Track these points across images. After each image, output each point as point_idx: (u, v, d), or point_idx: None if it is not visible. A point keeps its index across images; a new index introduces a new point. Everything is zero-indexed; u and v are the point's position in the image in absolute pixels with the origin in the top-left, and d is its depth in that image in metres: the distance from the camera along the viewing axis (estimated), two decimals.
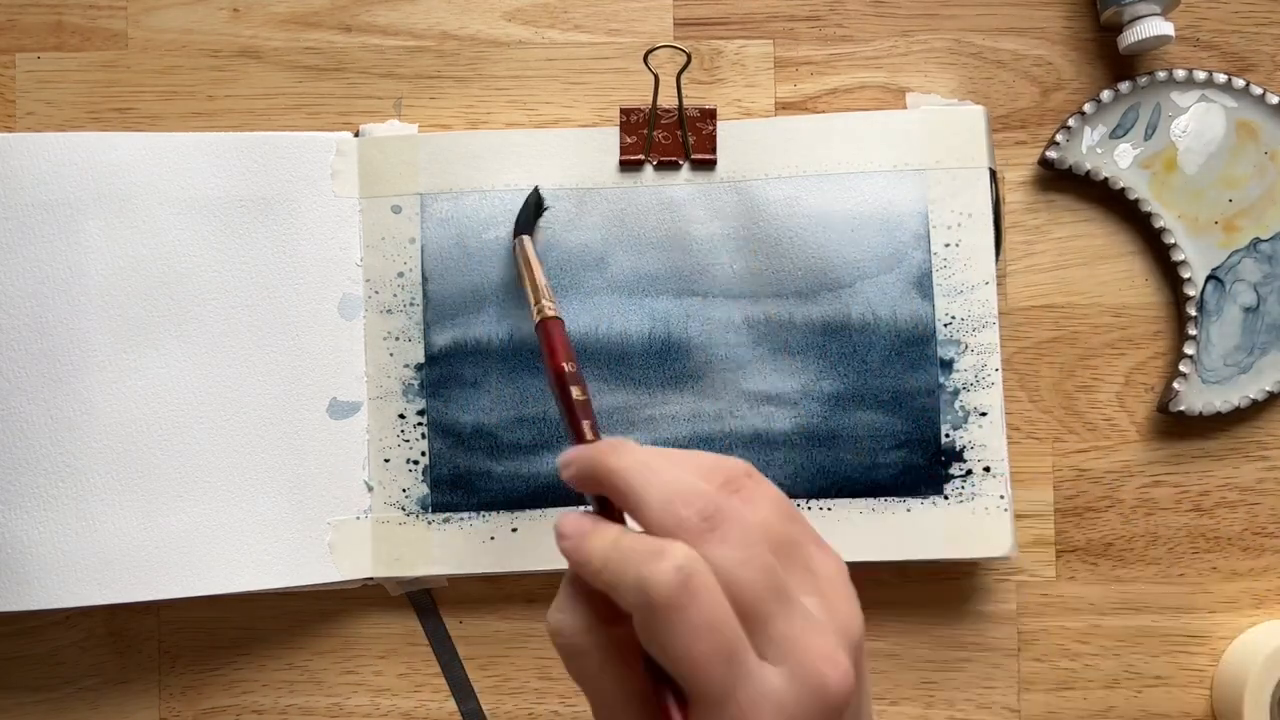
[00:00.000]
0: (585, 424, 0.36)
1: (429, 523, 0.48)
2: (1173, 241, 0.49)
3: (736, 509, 0.30)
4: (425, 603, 0.50)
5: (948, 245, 0.48)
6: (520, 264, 0.45)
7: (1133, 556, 0.50)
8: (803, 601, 0.30)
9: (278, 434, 0.48)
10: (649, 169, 0.49)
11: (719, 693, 0.28)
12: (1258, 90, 0.49)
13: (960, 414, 0.47)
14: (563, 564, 0.47)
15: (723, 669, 0.28)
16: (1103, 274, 0.50)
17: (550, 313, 0.41)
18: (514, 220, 0.48)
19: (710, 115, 0.48)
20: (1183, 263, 0.49)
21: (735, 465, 0.31)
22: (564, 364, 0.38)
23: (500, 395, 0.48)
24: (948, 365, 0.47)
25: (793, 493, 0.48)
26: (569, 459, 0.32)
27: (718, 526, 0.29)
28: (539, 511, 0.48)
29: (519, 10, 0.50)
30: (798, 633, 0.29)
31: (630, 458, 0.31)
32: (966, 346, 0.48)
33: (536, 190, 0.48)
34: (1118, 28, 0.49)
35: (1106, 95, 0.49)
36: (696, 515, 0.29)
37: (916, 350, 0.48)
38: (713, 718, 0.28)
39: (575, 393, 0.36)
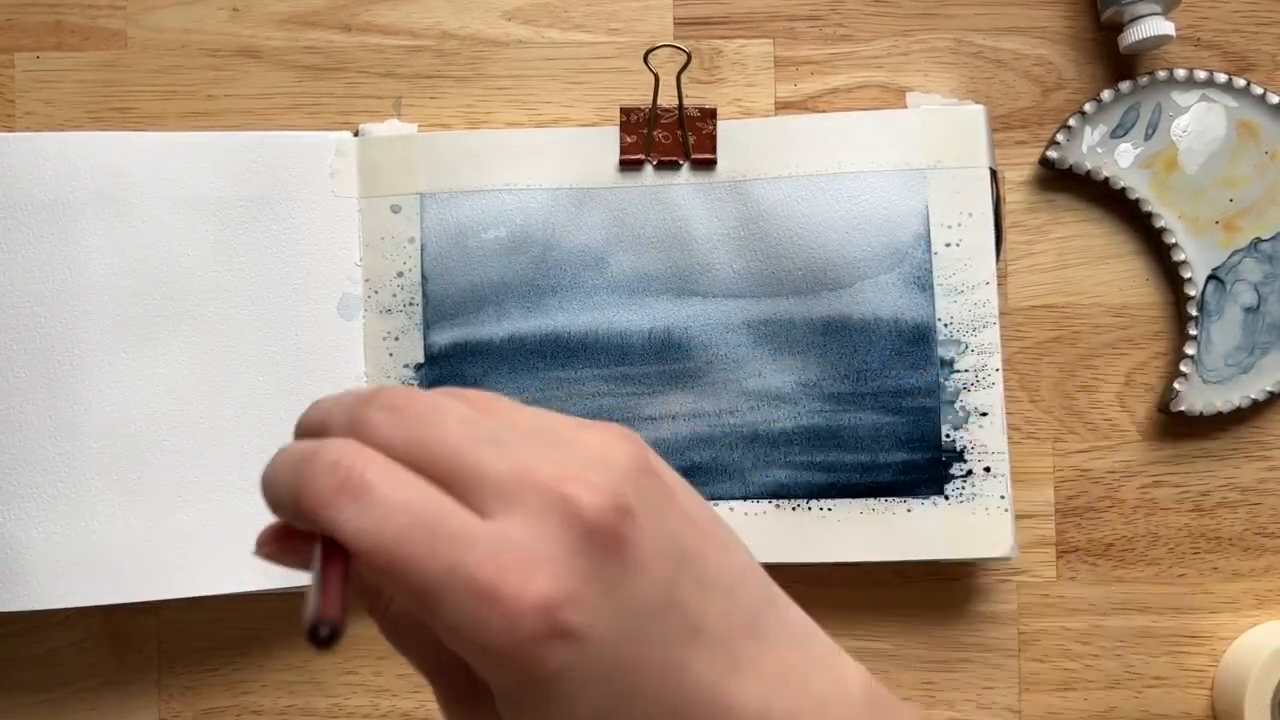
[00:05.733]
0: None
1: None
2: (1173, 241, 0.49)
3: (391, 393, 0.25)
4: None
5: (948, 245, 0.48)
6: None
7: (1133, 557, 0.50)
8: (526, 442, 0.24)
9: (277, 434, 0.48)
10: (649, 169, 0.48)
11: (442, 573, 0.22)
12: (1258, 90, 0.49)
13: (961, 414, 0.47)
14: None
15: (428, 543, 0.22)
16: (1103, 274, 0.50)
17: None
18: (515, 219, 0.47)
19: (710, 115, 0.48)
20: (1183, 263, 0.49)
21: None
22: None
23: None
24: (948, 365, 0.47)
25: (792, 493, 0.47)
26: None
27: (372, 403, 0.24)
28: None
29: (519, 9, 0.50)
30: (525, 465, 0.23)
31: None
32: (967, 346, 0.47)
33: None
34: (1118, 27, 0.49)
35: (1107, 95, 0.49)
36: (345, 410, 0.25)
37: (917, 350, 0.47)
38: (446, 606, 0.22)
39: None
